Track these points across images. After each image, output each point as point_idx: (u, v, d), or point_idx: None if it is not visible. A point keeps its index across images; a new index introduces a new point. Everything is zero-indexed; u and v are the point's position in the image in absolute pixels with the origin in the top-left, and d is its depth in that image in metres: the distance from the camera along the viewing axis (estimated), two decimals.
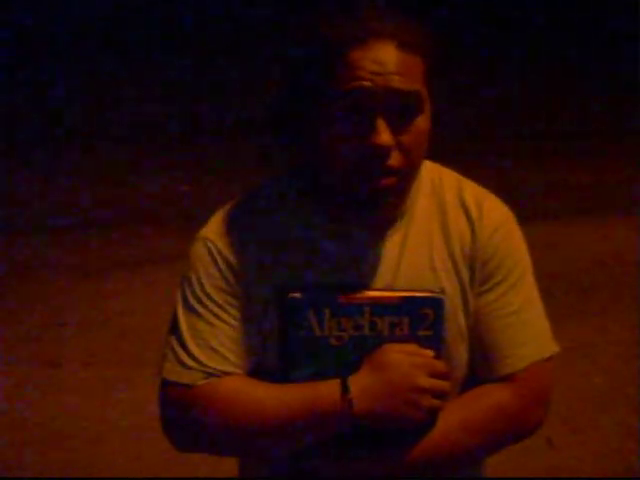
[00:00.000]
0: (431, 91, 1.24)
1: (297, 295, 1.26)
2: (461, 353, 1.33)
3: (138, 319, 4.33)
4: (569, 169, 7.17)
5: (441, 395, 1.25)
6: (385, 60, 1.19)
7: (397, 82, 1.19)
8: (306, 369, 1.27)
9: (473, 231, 1.34)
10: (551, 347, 1.36)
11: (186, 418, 1.28)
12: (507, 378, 1.32)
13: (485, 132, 8.27)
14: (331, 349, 1.27)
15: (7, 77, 9.58)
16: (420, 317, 1.27)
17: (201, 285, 1.31)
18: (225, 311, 1.30)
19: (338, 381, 1.23)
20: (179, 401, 1.28)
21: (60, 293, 4.74)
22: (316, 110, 1.23)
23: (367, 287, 1.29)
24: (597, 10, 11.76)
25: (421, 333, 1.27)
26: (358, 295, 1.27)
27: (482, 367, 1.34)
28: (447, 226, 1.34)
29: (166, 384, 1.30)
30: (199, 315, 1.30)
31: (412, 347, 1.26)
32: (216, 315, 1.29)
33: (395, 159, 1.21)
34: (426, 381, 1.23)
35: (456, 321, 1.32)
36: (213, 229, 1.34)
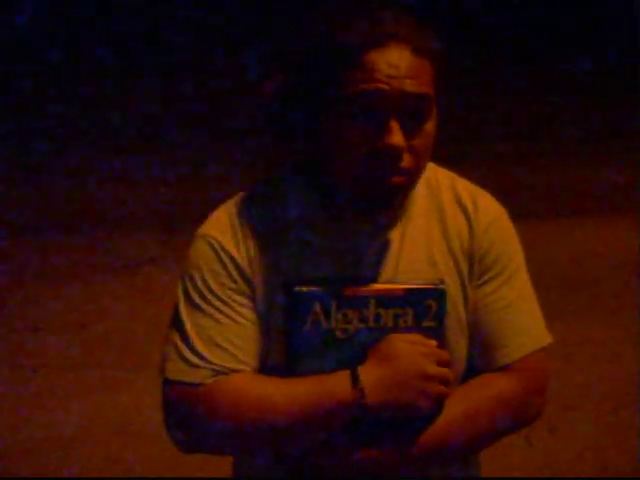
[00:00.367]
0: (437, 95, 1.26)
1: (303, 289, 1.27)
2: (461, 345, 1.35)
3: (117, 323, 4.31)
4: (549, 170, 7.22)
5: (448, 382, 1.27)
6: (400, 64, 1.20)
7: (411, 86, 1.20)
8: (313, 363, 1.27)
9: (470, 226, 1.36)
10: (546, 337, 1.40)
11: (193, 418, 1.26)
12: (506, 368, 1.34)
13: (471, 133, 8.30)
14: (337, 341, 1.28)
15: None
16: (423, 309, 1.29)
17: (205, 282, 1.30)
18: (230, 307, 1.29)
19: (347, 372, 1.24)
20: (185, 401, 1.26)
21: (37, 298, 4.72)
22: (327, 110, 1.24)
23: (370, 281, 1.31)
24: (595, 7, 11.83)
25: (425, 324, 1.29)
26: (363, 287, 1.29)
27: (481, 358, 1.36)
28: (445, 222, 1.36)
29: (170, 384, 1.28)
30: (204, 312, 1.29)
31: (417, 337, 1.28)
32: (221, 312, 1.29)
33: (406, 160, 1.23)
34: (434, 369, 1.25)
35: (456, 313, 1.34)
36: (214, 226, 1.34)
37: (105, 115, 8.78)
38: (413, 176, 1.27)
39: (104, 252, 5.33)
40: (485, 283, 1.36)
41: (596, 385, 3.67)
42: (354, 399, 1.22)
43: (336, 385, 1.24)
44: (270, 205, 1.34)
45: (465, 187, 1.41)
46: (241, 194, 1.38)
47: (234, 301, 1.29)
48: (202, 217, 1.39)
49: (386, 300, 1.28)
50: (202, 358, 1.26)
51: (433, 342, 1.28)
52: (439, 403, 1.27)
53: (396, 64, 1.20)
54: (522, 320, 1.37)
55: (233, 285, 1.30)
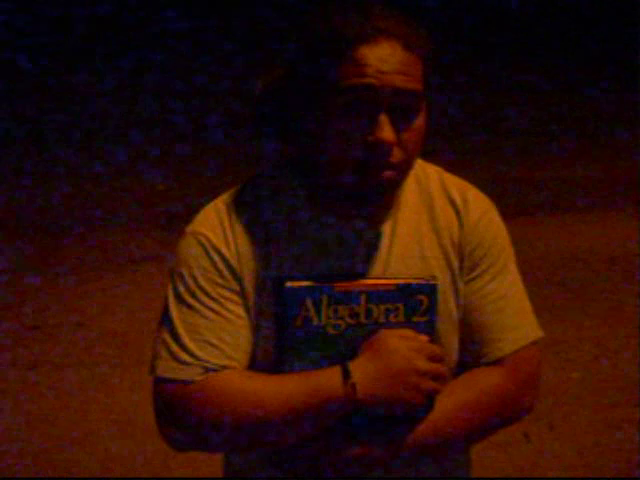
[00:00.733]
0: (427, 91, 1.26)
1: (294, 284, 1.26)
2: (452, 339, 1.35)
3: (115, 321, 4.31)
4: (547, 166, 7.22)
5: (439, 378, 1.27)
6: (391, 59, 1.20)
7: (401, 81, 1.21)
8: (304, 359, 1.27)
9: (460, 220, 1.37)
10: (537, 331, 1.39)
11: (185, 416, 1.25)
12: (497, 362, 1.34)
13: (469, 128, 8.30)
14: (328, 337, 1.27)
15: None
16: (415, 304, 1.29)
17: (194, 279, 1.29)
18: (220, 304, 1.28)
19: (338, 368, 1.23)
20: (177, 399, 1.25)
21: (36, 295, 4.72)
22: (317, 104, 1.24)
23: (362, 275, 1.31)
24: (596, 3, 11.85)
25: (416, 319, 1.29)
26: (354, 283, 1.28)
27: (472, 353, 1.36)
28: (435, 216, 1.36)
29: (160, 382, 1.27)
30: (193, 309, 1.28)
31: (408, 332, 1.28)
32: (211, 309, 1.28)
33: (396, 155, 1.23)
34: (425, 364, 1.25)
35: (447, 308, 1.34)
36: (203, 223, 1.33)
37: (105, 111, 8.78)
38: (403, 171, 1.27)
39: (103, 250, 5.33)
40: (476, 277, 1.36)
41: (595, 382, 3.68)
42: (345, 395, 1.22)
43: (327, 381, 1.23)
44: (259, 201, 1.34)
45: (453, 182, 1.41)
46: (231, 191, 1.38)
47: (223, 298, 1.29)
48: None
49: (377, 295, 1.28)
50: (192, 355, 1.26)
51: (424, 337, 1.28)
52: (431, 399, 1.27)
53: (386, 59, 1.20)
54: (513, 314, 1.36)
55: (222, 282, 1.29)
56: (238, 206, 1.34)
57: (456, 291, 1.35)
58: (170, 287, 1.32)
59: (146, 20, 11.53)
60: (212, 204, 1.37)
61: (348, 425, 1.25)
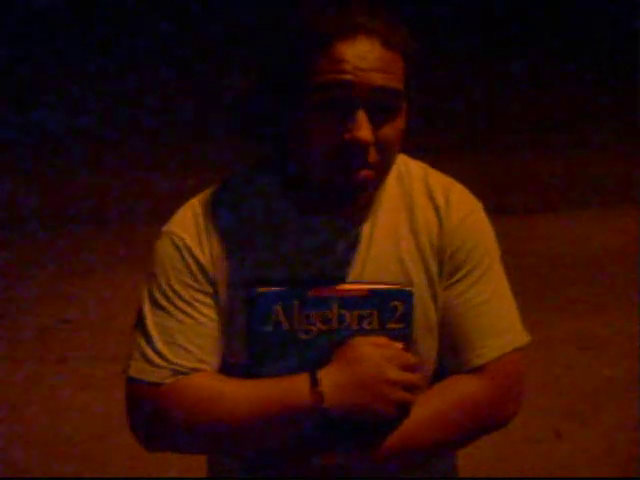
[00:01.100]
0: (408, 90, 1.24)
1: (264, 290, 1.25)
2: (430, 346, 1.32)
3: None
4: (568, 162, 7.16)
5: (412, 388, 1.24)
6: (370, 56, 1.18)
7: (380, 79, 1.18)
8: (275, 364, 1.26)
9: (440, 222, 1.33)
10: (522, 337, 1.35)
11: (154, 417, 1.26)
12: (478, 369, 1.30)
13: (486, 124, 8.25)
14: (300, 343, 1.26)
15: None
16: (389, 310, 1.26)
17: (168, 281, 1.29)
18: (193, 307, 1.28)
19: (307, 375, 1.22)
20: (147, 400, 1.26)
21: (66, 290, 4.74)
22: (294, 101, 1.22)
23: (335, 280, 1.28)
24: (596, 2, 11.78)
25: (390, 326, 1.26)
26: (326, 288, 1.26)
27: (452, 359, 1.33)
28: (414, 218, 1.33)
29: (133, 382, 1.28)
30: (166, 312, 1.28)
31: (382, 339, 1.25)
32: (184, 312, 1.27)
33: (373, 155, 1.21)
34: (396, 374, 1.22)
35: (425, 314, 1.31)
36: (179, 223, 1.32)
37: (133, 104, 8.81)
38: (380, 171, 1.25)
39: (133, 244, 5.35)
40: (456, 282, 1.32)
41: (626, 379, 3.64)
42: (313, 403, 1.20)
43: (295, 388, 1.21)
44: (236, 202, 1.33)
45: (438, 179, 1.37)
46: (208, 191, 1.36)
47: (196, 300, 1.28)
48: None
49: (350, 301, 1.26)
50: (163, 358, 1.26)
51: (399, 345, 1.26)
52: (402, 409, 1.24)
53: (365, 56, 1.18)
54: (495, 320, 1.32)
55: (196, 284, 1.28)
56: (214, 207, 1.33)
57: (434, 296, 1.32)
58: (145, 288, 1.31)
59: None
60: (189, 204, 1.35)
61: (320, 432, 1.22)
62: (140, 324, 1.30)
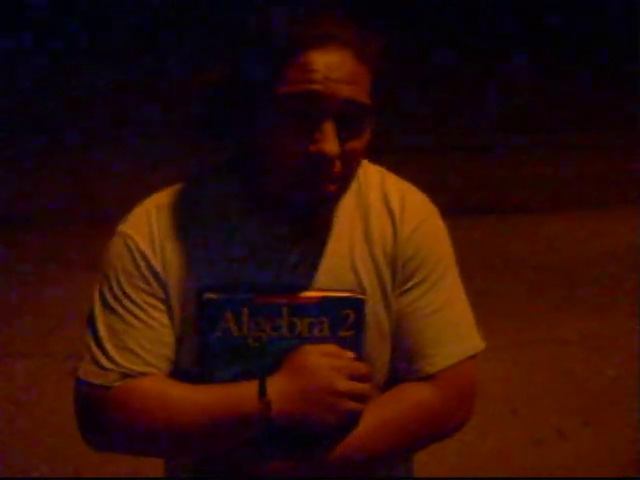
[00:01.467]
0: (374, 103, 1.21)
1: (214, 296, 1.24)
2: (382, 354, 1.32)
3: None
4: (574, 161, 7.15)
5: (361, 397, 1.23)
6: (340, 67, 1.16)
7: (349, 91, 1.16)
8: (225, 371, 1.25)
9: (394, 229, 1.32)
10: (475, 345, 1.34)
11: (101, 420, 1.25)
12: (430, 377, 1.30)
13: (491, 126, 8.24)
14: (250, 350, 1.25)
15: None
16: (340, 318, 1.25)
17: (119, 283, 1.27)
18: (143, 311, 1.26)
19: (256, 383, 1.21)
20: (94, 402, 1.25)
21: (70, 287, 4.74)
22: (262, 109, 1.19)
23: (287, 287, 1.26)
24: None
25: (341, 334, 1.25)
26: (276, 295, 1.25)
27: (405, 367, 1.32)
28: (369, 225, 1.32)
29: (81, 384, 1.27)
30: (116, 314, 1.26)
31: (332, 348, 1.24)
32: (134, 315, 1.26)
33: (338, 166, 1.19)
34: (345, 384, 1.21)
35: (377, 322, 1.30)
36: (133, 224, 1.30)
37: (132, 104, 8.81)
38: (343, 184, 1.23)
39: None
40: (409, 290, 1.31)
41: (630, 379, 3.63)
42: (259, 411, 1.19)
43: (242, 395, 1.21)
44: (192, 205, 1.31)
45: (394, 185, 1.36)
46: (165, 191, 1.35)
47: (148, 304, 1.26)
48: None
49: (300, 309, 1.24)
50: (112, 361, 1.25)
51: (350, 354, 1.25)
52: (350, 419, 1.23)
53: (335, 67, 1.15)
54: (447, 328, 1.31)
55: (146, 287, 1.27)
56: (169, 209, 1.31)
57: (387, 305, 1.30)
58: (96, 290, 1.30)
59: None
60: (143, 205, 1.33)
61: (267, 439, 1.22)
62: (91, 325, 1.28)
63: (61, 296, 4.59)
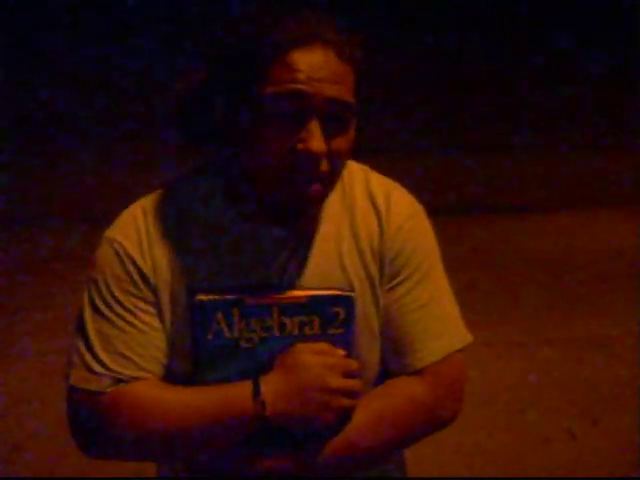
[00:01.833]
0: (357, 101, 1.23)
1: (204, 298, 1.24)
2: (373, 351, 1.33)
3: None
4: (583, 159, 7.14)
5: (353, 394, 1.24)
6: (324, 66, 1.17)
7: (334, 91, 1.18)
8: (218, 372, 1.25)
9: (381, 226, 1.33)
10: (462, 339, 1.36)
11: (94, 426, 1.25)
12: (419, 372, 1.31)
13: (492, 125, 8.24)
14: (242, 351, 1.26)
15: None
16: (330, 316, 1.26)
17: (108, 288, 1.27)
18: (134, 315, 1.26)
19: (249, 383, 1.22)
20: (87, 408, 1.25)
21: (70, 285, 4.74)
22: (247, 109, 1.20)
23: (276, 287, 1.27)
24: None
25: (332, 332, 1.27)
26: (266, 296, 1.26)
27: (394, 363, 1.33)
28: (355, 223, 1.33)
29: (74, 391, 1.27)
30: (107, 319, 1.26)
31: (323, 346, 1.26)
32: (124, 319, 1.26)
33: (324, 165, 1.20)
34: (337, 381, 1.23)
35: (367, 319, 1.31)
36: (120, 229, 1.30)
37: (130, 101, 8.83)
38: (329, 183, 1.24)
39: None
40: (397, 285, 1.32)
41: (638, 378, 3.61)
42: (254, 411, 1.20)
43: (237, 396, 1.21)
44: (178, 208, 1.31)
45: (379, 182, 1.37)
46: (151, 195, 1.35)
47: (137, 308, 1.27)
48: None
49: (290, 308, 1.26)
50: (104, 366, 1.24)
51: (341, 352, 1.26)
52: (343, 416, 1.24)
53: (319, 66, 1.17)
54: (435, 323, 1.33)
55: (136, 292, 1.27)
56: (156, 212, 1.31)
57: (376, 301, 1.31)
58: (86, 295, 1.29)
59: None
60: (129, 209, 1.33)
61: (262, 438, 1.22)
62: (81, 331, 1.28)
63: (62, 295, 4.60)
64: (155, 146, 7.57)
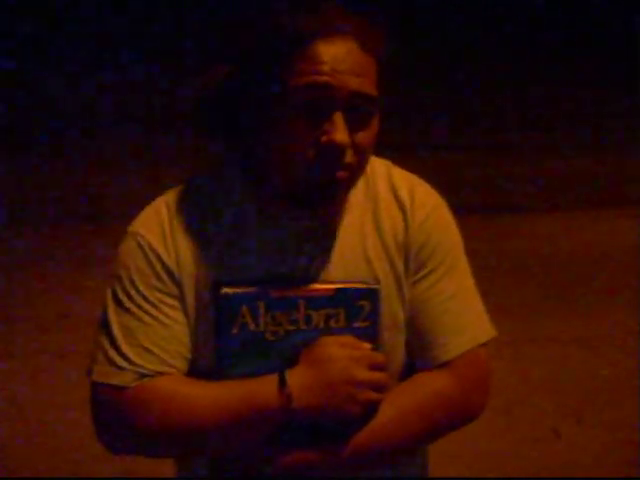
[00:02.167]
0: (380, 93, 1.23)
1: (230, 291, 1.24)
2: (398, 344, 1.32)
3: None
4: (571, 160, 7.16)
5: (380, 387, 1.24)
6: (347, 59, 1.17)
7: (357, 83, 1.18)
8: (243, 366, 1.25)
9: (405, 219, 1.33)
10: (487, 332, 1.36)
11: (120, 421, 1.24)
12: (445, 365, 1.31)
13: (485, 124, 8.25)
14: (267, 344, 1.25)
15: None
16: (356, 309, 1.26)
17: (133, 283, 1.26)
18: (158, 309, 1.26)
19: (275, 376, 1.21)
20: (112, 404, 1.24)
21: (65, 285, 4.74)
22: (268, 102, 1.20)
23: (302, 280, 1.27)
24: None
25: (357, 325, 1.27)
26: (291, 289, 1.25)
27: (420, 356, 1.33)
28: (380, 216, 1.33)
29: (97, 386, 1.26)
30: (131, 314, 1.26)
31: (349, 339, 1.25)
32: (149, 314, 1.26)
33: (349, 156, 1.20)
34: (364, 374, 1.22)
35: (392, 312, 1.31)
36: (144, 224, 1.31)
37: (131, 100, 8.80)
38: (355, 172, 1.24)
39: None
40: (422, 278, 1.32)
41: (624, 378, 3.63)
42: (280, 404, 1.20)
43: (263, 389, 1.21)
44: (201, 202, 1.31)
45: (401, 176, 1.37)
46: (174, 190, 1.35)
47: (161, 302, 1.26)
48: None
49: (316, 301, 1.25)
50: (128, 360, 1.24)
51: (367, 345, 1.26)
52: (370, 408, 1.24)
53: (342, 58, 1.17)
54: (461, 315, 1.33)
55: (160, 286, 1.27)
56: (179, 207, 1.31)
57: (401, 294, 1.31)
58: (109, 290, 1.29)
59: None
60: (153, 204, 1.34)
61: (288, 432, 1.22)
62: (104, 326, 1.27)
63: (56, 294, 4.59)
64: (144, 147, 7.57)
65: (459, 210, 1.43)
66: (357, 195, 1.33)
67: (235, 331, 1.24)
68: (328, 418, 1.22)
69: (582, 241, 5.32)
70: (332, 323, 1.26)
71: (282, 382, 1.21)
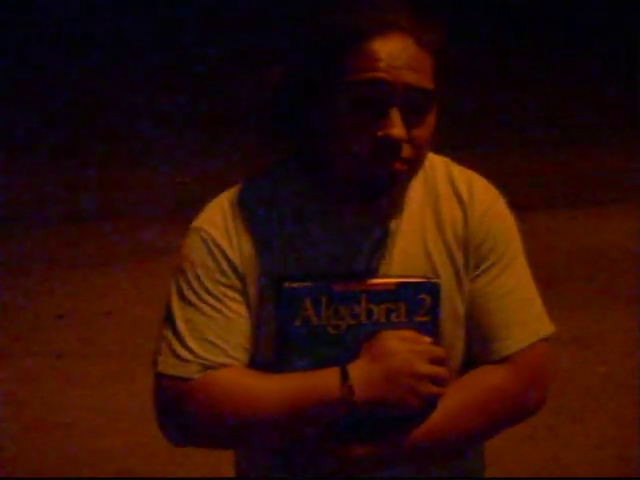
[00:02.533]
0: (437, 88, 1.24)
1: (293, 285, 1.25)
2: (457, 337, 1.33)
3: (140, 311, 4.33)
4: (571, 158, 7.17)
5: (440, 381, 1.25)
6: (402, 54, 1.18)
7: (413, 78, 1.19)
8: (304, 359, 1.26)
9: (465, 214, 1.34)
10: (547, 327, 1.36)
11: (183, 412, 1.26)
12: (505, 360, 1.31)
13: (485, 123, 8.27)
14: (329, 338, 1.26)
15: None
16: (417, 303, 1.27)
17: (197, 277, 1.29)
18: (222, 303, 1.28)
19: (337, 369, 1.22)
20: (175, 395, 1.26)
21: (61, 285, 4.74)
22: (326, 99, 1.22)
23: (363, 274, 1.28)
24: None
25: (418, 319, 1.27)
26: (354, 283, 1.27)
27: (479, 350, 1.33)
28: (439, 211, 1.34)
29: (161, 377, 1.28)
30: (195, 307, 1.28)
31: (410, 333, 1.26)
32: (212, 307, 1.28)
33: (406, 151, 1.21)
34: (425, 367, 1.23)
35: (452, 306, 1.31)
36: (208, 219, 1.33)
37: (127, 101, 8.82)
38: (413, 166, 1.25)
39: (128, 240, 5.35)
40: (482, 273, 1.33)
41: (621, 376, 3.65)
42: (342, 396, 1.21)
43: (325, 382, 1.22)
44: (263, 198, 1.33)
45: (460, 172, 1.38)
46: (236, 187, 1.37)
47: (225, 296, 1.28)
48: None
49: (378, 295, 1.26)
50: (192, 352, 1.26)
51: (427, 339, 1.26)
52: (431, 402, 1.25)
53: (398, 54, 1.18)
54: (521, 310, 1.33)
55: (225, 280, 1.29)
56: (242, 203, 1.33)
57: (461, 288, 1.32)
58: (173, 283, 1.32)
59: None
60: (216, 200, 1.36)
61: (349, 425, 1.23)
62: (168, 319, 1.30)
63: (52, 295, 4.60)
64: (138, 144, 7.59)
65: None
66: (416, 190, 1.34)
67: (297, 324, 1.25)
68: (388, 411, 1.23)
69: (582, 241, 5.33)
70: (393, 317, 1.26)
71: (344, 375, 1.22)
